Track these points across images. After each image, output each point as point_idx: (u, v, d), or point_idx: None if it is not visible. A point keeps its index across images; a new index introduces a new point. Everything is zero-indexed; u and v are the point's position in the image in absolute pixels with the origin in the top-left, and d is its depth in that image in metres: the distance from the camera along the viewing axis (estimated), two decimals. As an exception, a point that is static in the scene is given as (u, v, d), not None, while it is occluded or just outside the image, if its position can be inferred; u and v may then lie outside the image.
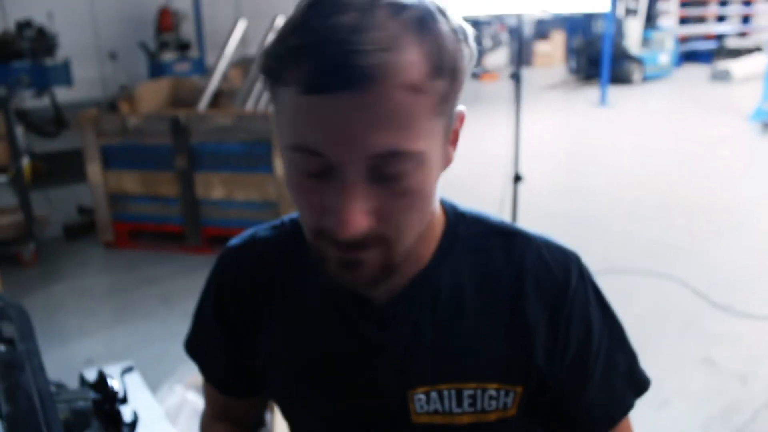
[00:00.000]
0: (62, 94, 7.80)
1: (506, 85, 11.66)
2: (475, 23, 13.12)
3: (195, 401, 1.92)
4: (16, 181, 4.45)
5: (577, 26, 13.06)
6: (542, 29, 14.73)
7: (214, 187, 4.18)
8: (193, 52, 9.85)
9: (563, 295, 0.77)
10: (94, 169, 4.35)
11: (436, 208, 0.77)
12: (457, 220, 0.80)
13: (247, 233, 0.89)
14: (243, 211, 4.18)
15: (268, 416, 2.24)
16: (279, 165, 3.98)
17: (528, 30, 14.53)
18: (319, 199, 0.63)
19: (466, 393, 0.77)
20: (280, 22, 5.08)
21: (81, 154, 4.46)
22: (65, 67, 7.44)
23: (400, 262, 0.68)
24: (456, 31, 0.63)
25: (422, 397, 0.78)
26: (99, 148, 4.30)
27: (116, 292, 3.92)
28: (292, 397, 0.86)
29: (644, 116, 9.23)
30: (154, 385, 2.26)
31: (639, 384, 0.82)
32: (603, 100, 9.90)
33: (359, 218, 0.60)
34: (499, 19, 13.57)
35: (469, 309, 0.77)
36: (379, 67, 0.55)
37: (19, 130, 5.24)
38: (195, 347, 0.96)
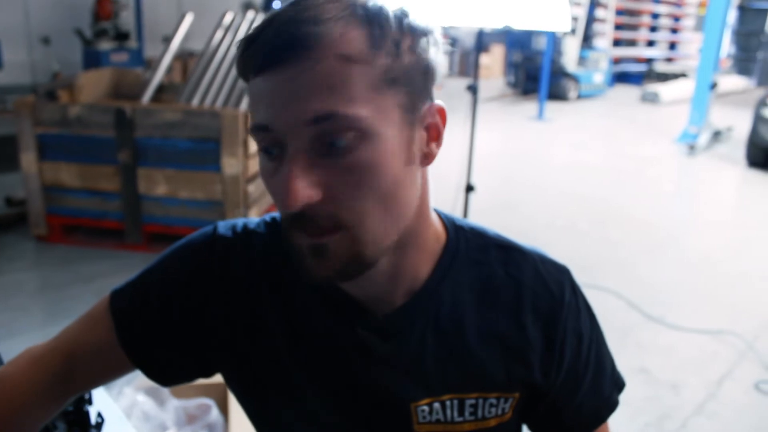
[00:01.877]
0: (-10, 79, 7.44)
1: (449, 96, 11.84)
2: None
3: (145, 403, 1.87)
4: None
5: (517, 41, 13.38)
6: (483, 41, 15.01)
7: (157, 184, 4.06)
8: (132, 43, 9.57)
9: (558, 310, 0.80)
10: (28, 158, 4.16)
11: (429, 216, 0.75)
12: (457, 233, 0.80)
13: (238, 226, 0.83)
14: (187, 209, 4.08)
15: (211, 416, 2.20)
16: (226, 164, 3.91)
17: (469, 42, 14.80)
18: (277, 180, 0.64)
19: (468, 402, 0.78)
20: (228, 18, 5.00)
21: (8, 141, 4.26)
22: (-5, 50, 7.10)
23: (371, 256, 0.66)
24: (413, 27, 0.65)
25: (425, 408, 0.78)
26: (35, 136, 4.11)
27: (49, 289, 3.75)
28: (286, 405, 0.82)
29: (580, 132, 9.54)
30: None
31: (620, 382, 0.89)
32: (540, 114, 10.18)
33: (303, 187, 0.61)
34: (443, 29, 13.76)
35: (471, 322, 0.78)
36: (312, 37, 0.59)
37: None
38: (124, 300, 0.82)
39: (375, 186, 0.63)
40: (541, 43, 11.57)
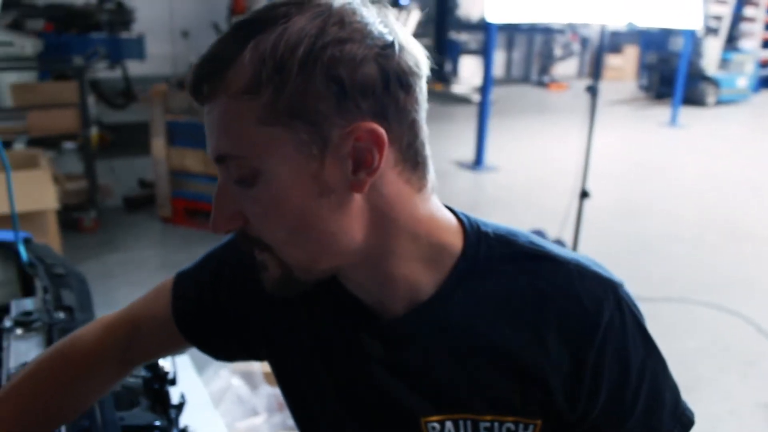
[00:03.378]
0: (133, 68, 7.98)
1: (574, 96, 11.49)
2: (547, 31, 13.01)
3: (239, 387, 1.92)
4: (84, 149, 4.56)
5: (653, 41, 12.70)
6: (615, 42, 14.37)
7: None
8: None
9: (593, 330, 0.70)
10: (158, 144, 4.42)
11: (411, 229, 0.70)
12: (479, 240, 0.74)
13: None
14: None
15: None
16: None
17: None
18: None
19: (483, 425, 0.73)
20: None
21: (147, 127, 4.54)
22: (139, 41, 7.62)
23: (303, 277, 0.70)
24: (322, 56, 0.61)
25: (436, 425, 0.75)
26: (165, 123, 4.36)
27: (169, 268, 3.96)
28: (311, 406, 0.85)
29: (716, 141, 8.91)
30: (200, 367, 2.25)
31: (685, 418, 0.76)
32: (674, 120, 9.60)
33: (221, 216, 0.68)
34: (572, 28, 13.30)
35: (485, 338, 0.72)
36: (209, 78, 0.64)
37: (90, 100, 5.36)
38: (185, 280, 0.89)
39: (279, 218, 0.66)
40: (678, 44, 10.90)
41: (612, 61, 14.36)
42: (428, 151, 0.71)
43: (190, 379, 1.36)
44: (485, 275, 0.72)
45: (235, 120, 0.63)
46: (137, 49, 7.50)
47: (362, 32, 0.63)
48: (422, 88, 0.68)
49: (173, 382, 1.18)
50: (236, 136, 0.64)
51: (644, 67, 12.71)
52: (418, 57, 0.67)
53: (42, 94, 4.56)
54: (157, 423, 1.07)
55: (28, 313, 1.28)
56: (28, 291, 1.63)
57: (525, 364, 0.71)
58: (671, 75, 10.47)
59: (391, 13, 0.67)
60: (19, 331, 1.24)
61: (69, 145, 4.92)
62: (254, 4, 9.89)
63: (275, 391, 2.02)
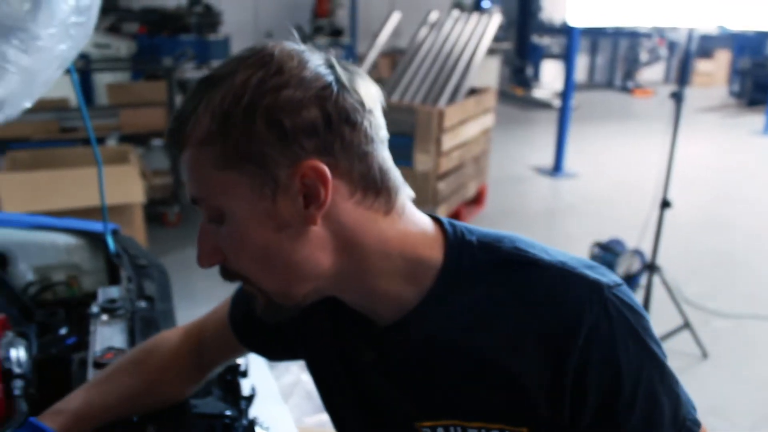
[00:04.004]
0: (220, 69, 8.24)
1: (659, 103, 11.08)
2: (633, 35, 12.60)
3: (308, 382, 1.96)
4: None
5: (747, 45, 12.12)
6: (705, 47, 13.77)
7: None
8: (345, 39, 10.09)
9: (572, 336, 0.68)
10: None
11: (382, 250, 0.73)
12: (461, 251, 0.75)
13: None
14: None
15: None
16: (419, 160, 3.98)
17: (690, 46, 13.67)
18: None
19: (471, 431, 0.75)
20: (433, 17, 5.07)
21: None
22: (225, 42, 7.87)
23: (284, 303, 0.75)
24: (266, 104, 0.67)
25: (428, 431, 0.78)
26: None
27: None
28: (332, 409, 0.95)
29: (813, 152, 8.41)
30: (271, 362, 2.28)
31: (687, 427, 0.73)
32: (767, 129, 9.13)
33: (203, 252, 0.75)
34: (660, 32, 12.84)
35: (466, 347, 0.73)
36: (178, 132, 0.71)
37: (178, 99, 5.58)
38: (241, 293, 0.99)
39: (245, 252, 0.72)
40: (775, 50, 10.37)
41: (702, 66, 13.77)
42: (394, 176, 0.75)
43: (261, 373, 1.40)
44: (467, 285, 0.74)
45: (197, 167, 0.71)
46: (223, 51, 7.75)
47: (298, 77, 0.68)
48: (372, 121, 0.72)
49: (245, 374, 1.22)
50: (200, 180, 0.71)
51: (736, 73, 12.12)
52: (363, 92, 0.71)
53: (134, 93, 4.79)
54: (228, 413, 1.11)
55: (112, 301, 1.35)
56: (113, 280, 1.72)
57: (506, 372, 0.72)
58: (766, 81, 9.96)
59: (334, 55, 0.73)
60: (104, 317, 1.31)
61: (157, 142, 5.14)
62: (338, 8, 10.07)
63: (343, 389, 2.04)
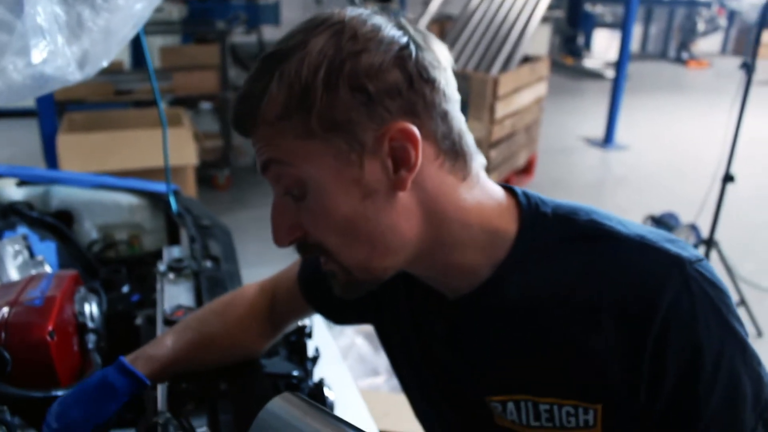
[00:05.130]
0: (268, 33, 8.24)
1: (716, 75, 10.71)
2: (692, 3, 12.14)
3: (362, 346, 1.98)
4: (222, 109, 4.79)
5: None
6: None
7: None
8: (394, 5, 9.96)
9: (651, 313, 0.65)
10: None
11: (462, 219, 0.72)
12: (535, 222, 0.73)
13: None
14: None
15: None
16: (472, 127, 3.90)
17: (754, 16, 13.14)
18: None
19: (543, 407, 0.73)
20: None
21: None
22: (275, 7, 7.84)
23: (364, 278, 0.73)
24: (346, 70, 0.65)
25: (498, 405, 0.77)
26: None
27: (295, 227, 4.10)
28: (404, 379, 0.96)
29: None
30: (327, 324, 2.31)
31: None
32: (831, 104, 8.75)
33: (281, 230, 0.73)
34: (720, 1, 12.35)
35: (541, 322, 0.72)
36: (248, 114, 0.70)
37: (228, 63, 5.61)
38: None
39: (328, 225, 0.70)
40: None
41: (765, 37, 13.21)
42: (469, 140, 0.73)
43: (323, 335, 1.41)
44: (542, 258, 0.72)
45: (276, 141, 0.69)
46: (273, 15, 7.74)
47: (375, 40, 0.67)
48: (448, 80, 0.70)
49: (310, 335, 1.23)
50: (279, 154, 0.70)
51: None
52: (437, 51, 0.70)
53: (186, 56, 4.82)
54: (295, 373, 1.13)
55: (179, 260, 1.37)
56: (173, 239, 1.75)
57: (582, 347, 0.70)
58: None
59: (404, 16, 0.72)
60: (171, 275, 1.33)
61: (205, 105, 5.19)
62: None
63: (396, 355, 2.06)
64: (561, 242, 0.72)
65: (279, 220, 0.73)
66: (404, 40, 0.68)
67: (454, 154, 0.71)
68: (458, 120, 0.72)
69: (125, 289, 1.61)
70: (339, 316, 1.04)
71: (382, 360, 2.03)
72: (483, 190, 0.74)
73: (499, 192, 0.76)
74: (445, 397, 0.85)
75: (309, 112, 0.67)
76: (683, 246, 0.70)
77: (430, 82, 0.68)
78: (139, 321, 1.39)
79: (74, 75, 1.05)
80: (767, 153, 6.48)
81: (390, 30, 0.68)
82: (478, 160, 0.74)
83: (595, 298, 0.69)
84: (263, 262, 3.69)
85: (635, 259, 0.69)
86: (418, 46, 0.68)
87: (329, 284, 0.92)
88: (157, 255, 1.73)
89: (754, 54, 2.72)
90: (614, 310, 0.68)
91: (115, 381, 0.90)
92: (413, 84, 0.67)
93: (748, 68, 2.71)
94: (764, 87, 10.07)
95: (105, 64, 1.10)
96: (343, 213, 0.69)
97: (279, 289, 1.05)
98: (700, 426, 0.67)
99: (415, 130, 0.67)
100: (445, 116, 0.70)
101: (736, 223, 4.26)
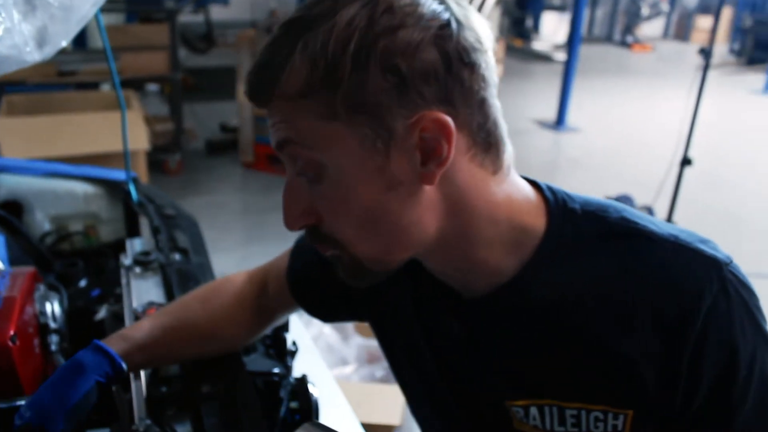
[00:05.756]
0: (215, 13, 8.04)
1: (658, 59, 10.96)
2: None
3: (330, 335, 1.94)
4: (172, 92, 4.64)
5: (749, 2, 11.94)
6: (707, 2, 13.57)
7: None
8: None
9: (691, 317, 0.63)
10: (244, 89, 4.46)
11: (487, 215, 0.67)
12: (564, 219, 0.69)
13: None
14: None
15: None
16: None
17: (694, 1, 13.49)
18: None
19: (569, 412, 0.70)
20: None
21: (227, 72, 4.57)
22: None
23: (375, 269, 0.69)
24: (379, 50, 0.59)
25: (520, 410, 0.72)
26: (251, 70, 4.39)
27: (251, 212, 4.03)
28: (407, 375, 0.89)
29: (814, 111, 8.38)
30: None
31: None
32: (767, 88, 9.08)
33: (293, 213, 0.67)
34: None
35: (569, 323, 0.68)
36: (264, 84, 0.63)
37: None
38: (302, 245, 0.94)
39: (348, 214, 0.65)
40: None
41: (702, 23, 13.57)
42: (502, 129, 0.67)
43: (297, 327, 1.36)
44: (571, 256, 0.68)
45: (295, 119, 0.63)
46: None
47: (414, 15, 0.60)
48: (488, 63, 0.64)
49: (286, 329, 1.18)
50: (297, 129, 0.63)
51: (737, 31, 11.99)
52: (480, 30, 0.63)
53: (133, 36, 4.64)
54: (276, 370, 1.08)
55: (146, 253, 1.30)
56: (132, 230, 1.67)
57: (613, 351, 0.66)
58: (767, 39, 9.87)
59: None
60: (138, 269, 1.26)
61: (152, 87, 5.02)
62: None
63: (366, 343, 2.03)
64: (592, 240, 0.68)
65: (291, 203, 0.67)
66: (446, 16, 0.61)
67: (487, 145, 0.65)
68: (495, 108, 0.66)
69: (83, 283, 1.52)
70: (330, 314, 0.99)
71: (350, 350, 2.00)
72: (512, 184, 0.69)
73: (527, 186, 0.71)
74: (457, 401, 0.80)
75: (334, 92, 0.60)
76: (715, 247, 0.68)
77: (470, 66, 0.62)
78: (101, 316, 1.31)
79: (32, 55, 0.96)
80: (713, 136, 6.68)
81: (431, 4, 0.61)
82: (508, 151, 0.69)
83: (629, 299, 0.66)
84: (219, 250, 3.60)
85: (670, 259, 0.65)
86: (459, 24, 0.61)
87: (319, 283, 0.88)
88: (116, 246, 1.65)
89: (712, 41, 2.77)
90: (650, 313, 0.65)
91: (83, 357, 0.84)
92: (451, 68, 0.61)
93: (706, 54, 2.75)
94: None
95: (65, 43, 1.02)
96: (364, 204, 0.64)
97: (268, 280, 0.99)
98: (733, 428, 0.66)
99: (450, 121, 0.61)
100: (482, 104, 0.64)
101: (685, 207, 4.37)
